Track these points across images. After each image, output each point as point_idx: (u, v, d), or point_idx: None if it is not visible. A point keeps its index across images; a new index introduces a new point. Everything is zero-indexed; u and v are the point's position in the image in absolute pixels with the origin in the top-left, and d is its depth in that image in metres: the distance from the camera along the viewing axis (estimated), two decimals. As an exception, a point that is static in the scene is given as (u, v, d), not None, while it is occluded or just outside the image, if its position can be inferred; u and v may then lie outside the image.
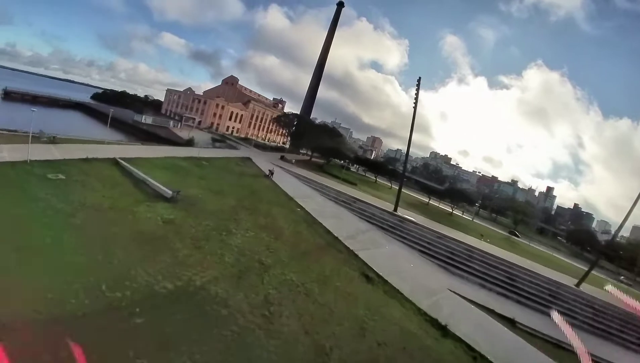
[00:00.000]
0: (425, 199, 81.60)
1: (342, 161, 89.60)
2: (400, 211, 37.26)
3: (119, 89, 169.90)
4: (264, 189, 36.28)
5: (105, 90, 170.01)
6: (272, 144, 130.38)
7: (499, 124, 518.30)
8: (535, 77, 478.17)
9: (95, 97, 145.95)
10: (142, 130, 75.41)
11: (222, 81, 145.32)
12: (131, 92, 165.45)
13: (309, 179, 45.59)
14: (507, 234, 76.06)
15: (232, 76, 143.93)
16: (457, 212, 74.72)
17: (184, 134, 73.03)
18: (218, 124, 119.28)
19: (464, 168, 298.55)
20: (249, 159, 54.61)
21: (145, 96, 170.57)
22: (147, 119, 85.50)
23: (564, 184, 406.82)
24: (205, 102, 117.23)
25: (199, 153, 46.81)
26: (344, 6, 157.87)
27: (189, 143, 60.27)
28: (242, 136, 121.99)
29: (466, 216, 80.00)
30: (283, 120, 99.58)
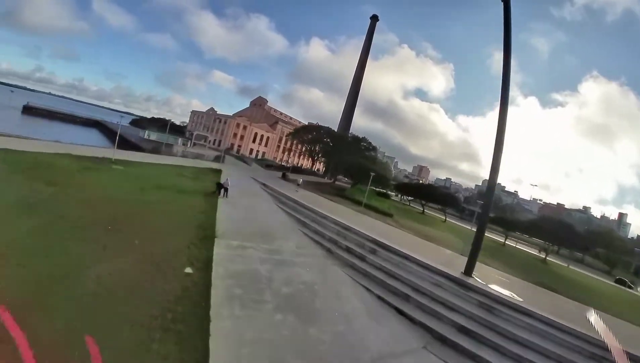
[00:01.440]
0: (496, 237, 58.40)
1: (377, 187, 70.01)
2: (480, 277, 16.74)
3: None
4: (170, 212, 18.28)
5: (145, 117, 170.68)
6: (303, 168, 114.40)
7: (554, 147, 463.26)
8: (592, 90, 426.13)
9: (132, 122, 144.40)
10: (142, 146, 65.41)
11: (250, 102, 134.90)
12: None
13: (300, 204, 26.83)
14: (615, 283, 50.01)
15: (260, 97, 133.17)
16: (538, 253, 50.76)
17: (181, 149, 59.48)
18: (240, 146, 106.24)
19: (520, 195, 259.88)
20: (218, 171, 38.34)
21: (182, 122, 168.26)
22: (151, 136, 74.46)
23: (629, 209, 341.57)
24: (225, 122, 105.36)
25: (157, 159, 31.55)
26: (378, 20, 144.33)
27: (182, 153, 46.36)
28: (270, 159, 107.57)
29: (555, 260, 54.50)
30: (302, 133, 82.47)
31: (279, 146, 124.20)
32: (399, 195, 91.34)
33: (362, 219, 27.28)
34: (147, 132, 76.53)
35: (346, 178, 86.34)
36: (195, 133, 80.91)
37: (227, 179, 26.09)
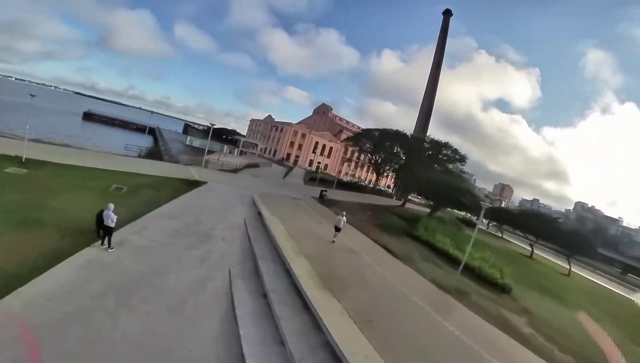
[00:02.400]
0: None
1: (461, 212, 50.02)
2: None
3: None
4: None
5: (210, 126, 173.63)
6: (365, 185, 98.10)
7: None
8: None
9: (185, 130, 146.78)
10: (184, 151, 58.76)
11: (313, 110, 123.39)
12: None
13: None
14: None
15: (323, 104, 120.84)
16: None
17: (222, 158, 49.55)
18: (297, 157, 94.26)
19: (624, 222, 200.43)
20: (197, 184, 24.43)
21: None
22: (194, 142, 66.93)
23: None
24: (281, 130, 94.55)
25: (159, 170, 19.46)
26: (452, 15, 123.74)
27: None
28: (335, 175, 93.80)
29: None
30: (364, 139, 65.59)
31: (343, 158, 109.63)
32: (487, 221, 68.98)
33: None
34: (189, 138, 68.70)
35: (419, 197, 67.47)
36: (242, 140, 70.52)
37: (111, 210, 11.48)
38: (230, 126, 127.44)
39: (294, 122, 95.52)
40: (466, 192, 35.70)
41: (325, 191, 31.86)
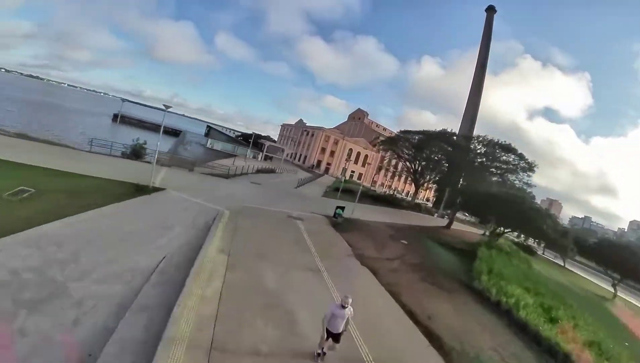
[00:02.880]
0: None
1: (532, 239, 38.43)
2: None
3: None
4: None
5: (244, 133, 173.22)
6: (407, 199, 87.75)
7: None
8: None
9: (207, 133, 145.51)
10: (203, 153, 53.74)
11: (349, 116, 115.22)
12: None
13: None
14: None
15: (359, 109, 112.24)
16: None
17: (239, 162, 43.55)
18: (329, 164, 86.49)
19: None
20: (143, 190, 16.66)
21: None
22: (215, 145, 61.73)
23: None
24: (312, 135, 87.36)
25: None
26: (495, 12, 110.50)
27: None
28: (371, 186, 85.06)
29: None
30: (400, 143, 55.27)
31: (379, 167, 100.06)
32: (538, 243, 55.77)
33: None
34: (210, 141, 63.37)
35: (466, 214, 56.13)
36: (267, 145, 64.04)
37: None
38: (267, 133, 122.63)
39: (327, 127, 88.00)
40: (546, 216, 25.34)
41: (342, 208, 22.00)
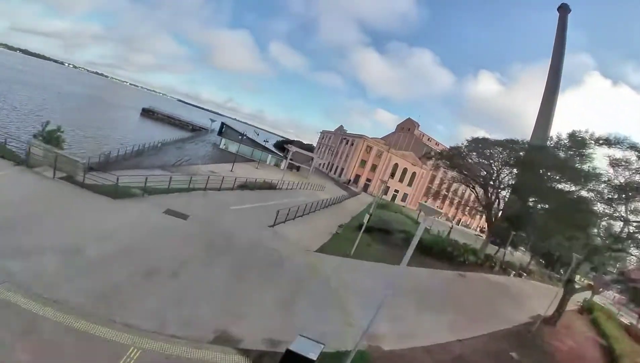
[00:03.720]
0: None
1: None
2: None
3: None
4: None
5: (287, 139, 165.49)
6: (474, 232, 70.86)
7: None
8: None
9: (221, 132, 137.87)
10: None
11: (397, 126, 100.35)
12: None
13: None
14: None
15: (409, 119, 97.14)
16: None
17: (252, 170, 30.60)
18: (369, 180, 72.21)
19: None
20: None
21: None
22: (230, 146, 50.25)
23: None
24: (352, 143, 73.65)
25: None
26: (570, 11, 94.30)
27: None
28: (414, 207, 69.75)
29: None
30: (468, 154, 38.69)
31: (429, 188, 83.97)
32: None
33: None
34: (224, 141, 51.84)
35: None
36: (293, 151, 51.34)
37: None
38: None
39: (370, 136, 73.97)
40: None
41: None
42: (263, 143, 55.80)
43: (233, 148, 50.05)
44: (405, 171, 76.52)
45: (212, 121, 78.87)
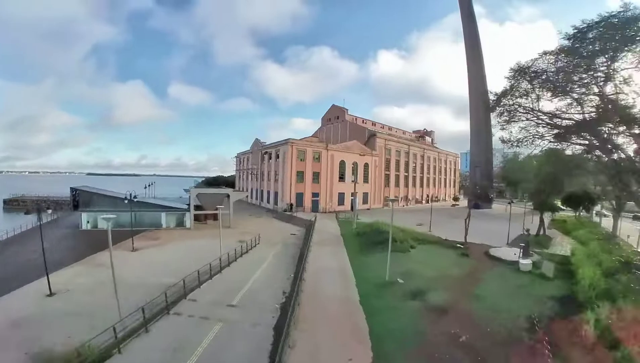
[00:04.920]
0: None
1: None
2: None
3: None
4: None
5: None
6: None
7: None
8: None
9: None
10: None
11: (322, 119, 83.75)
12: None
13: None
14: None
15: (333, 106, 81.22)
16: None
17: None
18: (316, 195, 53.37)
19: None
20: None
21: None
22: (100, 223, 25.69)
23: None
24: (277, 156, 54.32)
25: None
26: None
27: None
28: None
29: None
30: None
31: (387, 176, 68.22)
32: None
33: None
34: (85, 218, 29.25)
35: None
36: (196, 194, 30.44)
37: None
38: None
39: (296, 138, 55.23)
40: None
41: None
42: (162, 201, 34.41)
43: (104, 223, 27.55)
44: (355, 165, 59.34)
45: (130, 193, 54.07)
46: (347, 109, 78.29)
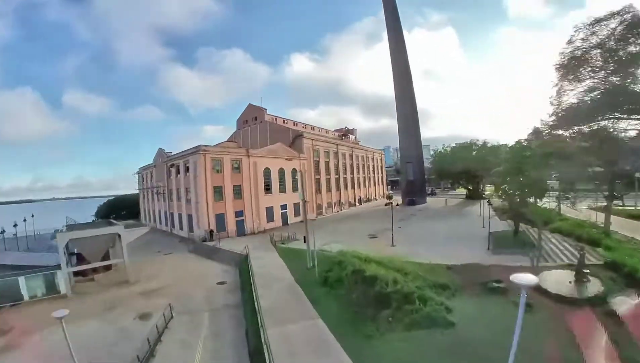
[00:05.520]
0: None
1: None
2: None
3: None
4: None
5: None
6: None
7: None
8: None
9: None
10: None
11: (237, 121, 73.76)
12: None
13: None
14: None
15: (250, 105, 72.07)
16: None
17: None
18: (239, 214, 43.69)
19: None
20: None
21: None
22: None
23: None
24: (187, 168, 43.07)
25: None
26: None
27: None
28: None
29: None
30: None
31: (318, 180, 61.75)
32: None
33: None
34: None
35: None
36: (69, 240, 18.57)
37: None
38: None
39: (209, 146, 44.66)
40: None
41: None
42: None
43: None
44: (282, 172, 51.21)
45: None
46: (265, 109, 69.75)
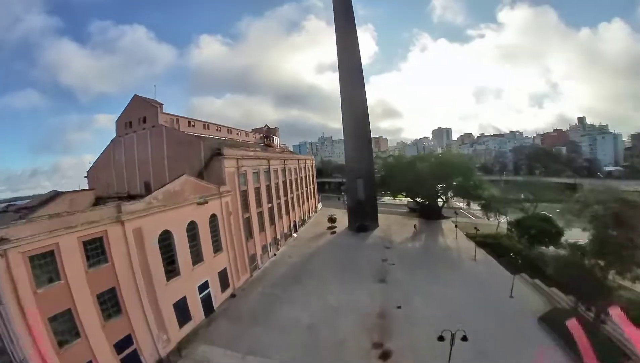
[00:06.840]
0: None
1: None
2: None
3: None
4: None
5: None
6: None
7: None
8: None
9: None
10: None
11: (118, 123, 47.53)
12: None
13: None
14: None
15: (136, 97, 46.53)
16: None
17: None
18: (129, 339, 21.71)
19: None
20: None
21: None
22: None
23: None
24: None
25: None
26: None
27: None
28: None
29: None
30: None
31: (248, 219, 42.58)
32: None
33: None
34: None
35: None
36: None
37: None
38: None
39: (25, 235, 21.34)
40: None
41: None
42: None
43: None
44: (193, 228, 30.89)
45: None
46: (161, 104, 45.65)
